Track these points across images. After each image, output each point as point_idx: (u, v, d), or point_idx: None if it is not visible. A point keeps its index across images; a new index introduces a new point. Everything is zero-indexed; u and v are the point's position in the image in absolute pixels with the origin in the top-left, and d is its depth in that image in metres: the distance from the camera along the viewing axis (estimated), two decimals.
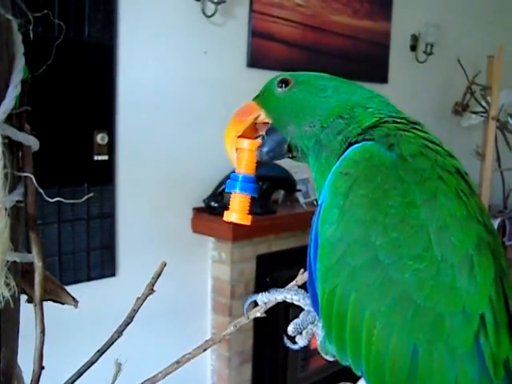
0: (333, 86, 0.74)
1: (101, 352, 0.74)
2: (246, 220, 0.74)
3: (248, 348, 2.67)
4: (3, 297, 0.55)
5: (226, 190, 0.75)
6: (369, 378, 0.62)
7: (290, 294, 0.76)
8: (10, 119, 0.56)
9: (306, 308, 0.76)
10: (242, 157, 0.74)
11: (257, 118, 0.76)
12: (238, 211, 0.73)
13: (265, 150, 0.75)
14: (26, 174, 0.58)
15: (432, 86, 3.96)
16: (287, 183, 2.69)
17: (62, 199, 0.71)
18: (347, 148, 0.67)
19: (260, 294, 0.77)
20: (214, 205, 2.51)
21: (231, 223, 0.76)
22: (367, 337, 0.60)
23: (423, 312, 0.59)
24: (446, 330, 0.58)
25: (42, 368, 0.66)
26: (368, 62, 3.42)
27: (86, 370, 0.74)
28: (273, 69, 2.72)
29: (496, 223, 3.76)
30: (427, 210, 0.60)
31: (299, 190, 2.78)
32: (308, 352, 2.87)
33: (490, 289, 0.59)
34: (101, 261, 2.24)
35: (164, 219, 2.48)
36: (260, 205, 2.45)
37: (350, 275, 0.61)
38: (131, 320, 0.75)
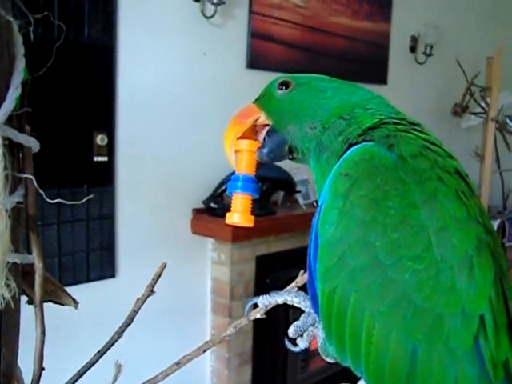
0: (333, 87, 0.74)
1: (101, 353, 0.74)
2: (249, 221, 0.73)
3: (248, 349, 2.67)
4: (4, 298, 0.55)
5: (228, 192, 0.74)
6: (368, 379, 0.62)
7: (290, 297, 0.76)
8: (10, 120, 0.56)
9: (307, 310, 0.76)
10: (242, 158, 0.74)
11: (257, 120, 0.76)
12: (240, 212, 0.73)
13: (265, 151, 0.75)
14: (26, 176, 0.58)
15: (431, 87, 3.97)
16: (287, 184, 2.69)
17: (62, 200, 0.71)
18: (348, 149, 0.67)
19: (261, 296, 0.77)
20: (213, 206, 2.51)
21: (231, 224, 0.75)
22: (367, 337, 0.60)
23: (423, 313, 0.59)
24: (445, 330, 0.58)
25: (43, 369, 0.66)
26: (367, 63, 3.42)
27: (86, 370, 0.74)
28: (272, 70, 2.72)
29: (495, 224, 3.76)
30: (427, 211, 0.60)
31: (299, 191, 2.78)
32: (308, 353, 2.87)
33: (490, 290, 0.59)
34: (100, 262, 2.24)
35: (163, 220, 2.48)
36: (260, 206, 2.45)
37: (349, 276, 0.61)
38: (131, 321, 0.75)
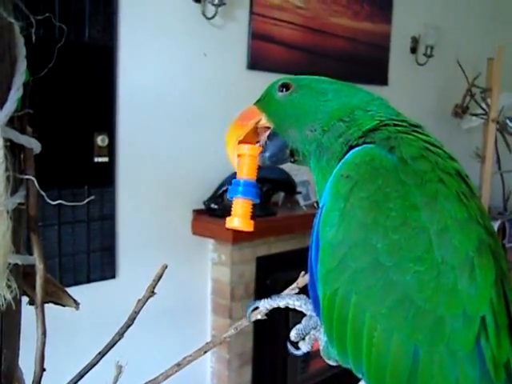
0: (333, 89, 0.74)
1: (102, 354, 0.74)
2: (249, 226, 0.73)
3: (248, 350, 2.67)
4: (5, 299, 0.55)
5: (229, 196, 0.74)
6: (370, 380, 0.62)
7: (291, 300, 0.76)
8: (11, 122, 0.56)
9: (308, 313, 0.76)
10: (244, 162, 0.74)
11: (258, 122, 0.76)
12: (240, 216, 0.73)
13: (267, 155, 0.75)
14: (27, 177, 0.58)
15: (432, 88, 3.97)
16: (287, 185, 2.69)
17: (63, 202, 0.71)
18: (348, 151, 0.67)
19: (262, 300, 0.77)
20: (213, 207, 2.51)
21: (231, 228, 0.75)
22: (368, 339, 0.60)
23: (424, 314, 0.59)
24: (446, 332, 0.58)
25: (44, 370, 0.66)
26: (368, 64, 3.42)
27: (87, 371, 0.74)
28: (273, 71, 2.72)
29: (496, 225, 3.76)
30: (428, 213, 0.60)
31: (299, 192, 2.78)
32: (308, 354, 2.86)
33: (491, 291, 0.59)
34: (101, 263, 2.24)
35: (164, 221, 2.48)
36: (260, 207, 2.45)
37: (351, 277, 0.61)
38: (132, 322, 0.76)
